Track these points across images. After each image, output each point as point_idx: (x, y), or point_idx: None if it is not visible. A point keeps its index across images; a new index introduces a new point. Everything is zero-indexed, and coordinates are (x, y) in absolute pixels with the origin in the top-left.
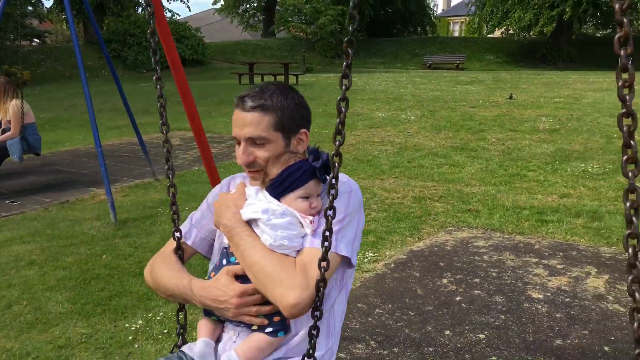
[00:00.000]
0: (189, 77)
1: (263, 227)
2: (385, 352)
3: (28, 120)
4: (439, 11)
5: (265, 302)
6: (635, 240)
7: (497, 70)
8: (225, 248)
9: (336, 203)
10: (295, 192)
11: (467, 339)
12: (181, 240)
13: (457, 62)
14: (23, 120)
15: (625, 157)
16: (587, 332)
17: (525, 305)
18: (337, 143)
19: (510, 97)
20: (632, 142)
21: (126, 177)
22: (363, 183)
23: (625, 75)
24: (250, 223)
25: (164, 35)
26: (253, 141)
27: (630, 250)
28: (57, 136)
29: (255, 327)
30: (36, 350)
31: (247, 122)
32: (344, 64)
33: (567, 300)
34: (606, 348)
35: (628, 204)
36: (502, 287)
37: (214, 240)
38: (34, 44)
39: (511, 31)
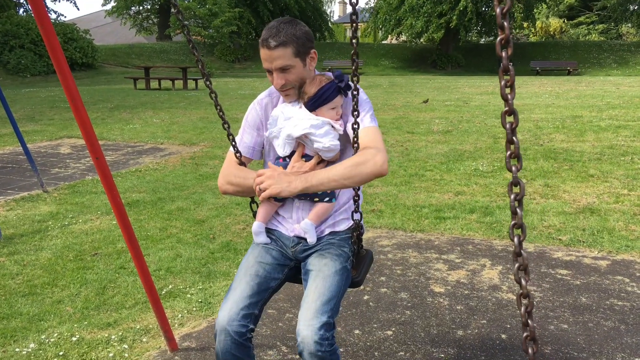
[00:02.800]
0: (79, 81)
1: (313, 138)
2: (297, 357)
3: None
4: (335, 17)
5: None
6: (520, 230)
7: (393, 75)
8: (281, 158)
9: (362, 104)
10: (327, 105)
11: (376, 336)
12: (243, 157)
13: None
14: None
15: (508, 153)
16: (485, 321)
17: (428, 299)
18: (354, 65)
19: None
20: (514, 138)
21: (10, 190)
22: None
23: (506, 76)
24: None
25: (48, 37)
26: (282, 69)
27: (515, 239)
28: None
29: (316, 199)
30: None
31: (275, 56)
32: (351, 33)
33: (466, 292)
34: (503, 336)
35: (512, 196)
36: (407, 284)
37: (262, 148)
38: None
39: (404, 38)
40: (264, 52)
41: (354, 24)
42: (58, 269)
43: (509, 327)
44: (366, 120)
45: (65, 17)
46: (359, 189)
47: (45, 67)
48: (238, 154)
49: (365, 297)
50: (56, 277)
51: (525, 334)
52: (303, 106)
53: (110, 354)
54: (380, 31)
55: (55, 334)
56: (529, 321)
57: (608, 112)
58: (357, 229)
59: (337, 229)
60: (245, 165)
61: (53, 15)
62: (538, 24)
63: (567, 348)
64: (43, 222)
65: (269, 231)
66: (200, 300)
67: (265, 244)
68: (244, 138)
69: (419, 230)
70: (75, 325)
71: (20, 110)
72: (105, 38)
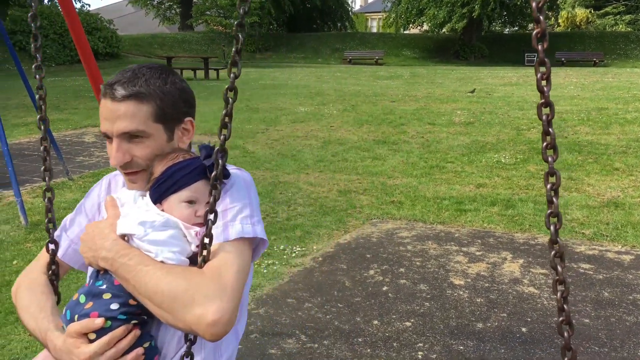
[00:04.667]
0: (102, 71)
1: (139, 243)
2: (316, 346)
3: None
4: (357, 7)
5: (126, 352)
6: (556, 219)
7: (414, 65)
8: (96, 270)
9: (224, 200)
10: (179, 194)
11: (395, 327)
12: (58, 258)
13: (377, 57)
14: None
15: (545, 144)
16: (505, 314)
17: (448, 292)
18: (222, 137)
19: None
20: (550, 129)
21: (37, 177)
22: (288, 178)
23: (543, 68)
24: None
25: (74, 26)
26: (129, 136)
27: (552, 227)
28: None
29: None
30: None
31: (120, 114)
32: (233, 49)
33: (487, 285)
34: (524, 329)
35: (549, 186)
36: (426, 276)
37: None
38: None
39: (426, 28)
40: (104, 105)
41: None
42: None
43: (529, 321)
44: (233, 229)
45: (89, 6)
46: (194, 343)
47: (69, 56)
48: (52, 247)
49: (385, 288)
50: None
51: (561, 319)
52: (147, 196)
53: None
54: (401, 21)
55: None
56: (565, 306)
57: (634, 105)
58: None
59: None
60: (57, 271)
61: (77, 5)
62: (563, 13)
63: (588, 342)
64: (68, 209)
65: None
66: None
67: None
68: (71, 228)
69: (439, 222)
70: None
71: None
72: (128, 28)
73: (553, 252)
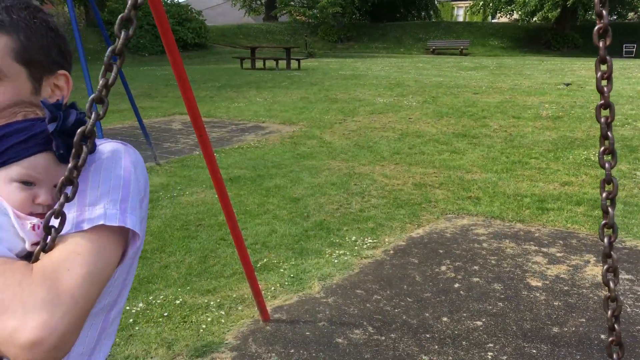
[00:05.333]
0: (190, 61)
1: None
2: (383, 338)
3: None
4: None
5: None
6: (610, 230)
7: (501, 55)
8: None
9: (85, 178)
10: (8, 169)
11: (465, 325)
12: None
13: (461, 47)
14: None
15: (602, 148)
16: (584, 320)
17: (523, 293)
18: (102, 81)
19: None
20: (609, 133)
21: None
22: (363, 169)
23: (604, 67)
24: None
25: (158, 16)
26: None
27: (605, 240)
28: None
29: None
30: None
31: None
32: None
33: (566, 288)
34: (603, 336)
35: (604, 194)
36: (501, 275)
37: None
38: None
39: (516, 16)
40: None
41: None
42: (166, 236)
43: None
44: (90, 214)
45: None
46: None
47: (161, 47)
48: None
49: (456, 285)
50: (164, 243)
51: (610, 339)
52: None
53: (209, 319)
54: (489, 9)
55: (162, 296)
56: (616, 325)
57: None
58: None
59: None
60: None
61: None
62: None
63: None
64: (155, 192)
65: None
66: (292, 275)
67: None
68: None
69: (518, 221)
70: (179, 289)
71: (138, 87)
72: (216, 18)
73: (606, 267)
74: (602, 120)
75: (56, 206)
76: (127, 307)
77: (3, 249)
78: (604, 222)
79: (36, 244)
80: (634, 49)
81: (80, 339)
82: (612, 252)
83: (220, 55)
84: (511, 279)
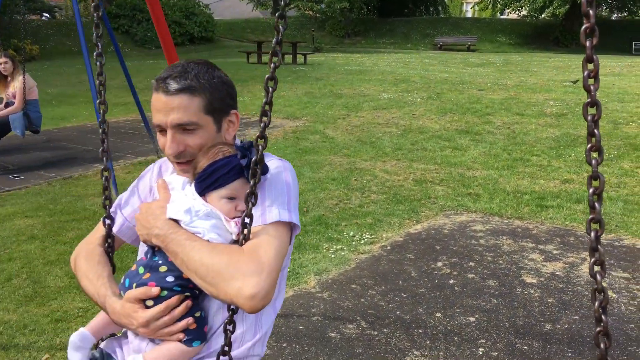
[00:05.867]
0: (197, 54)
1: (186, 228)
2: (375, 333)
3: (31, 97)
4: None
5: (178, 320)
6: (597, 225)
7: (509, 52)
8: (151, 247)
9: (263, 189)
10: (219, 191)
11: (458, 321)
12: (115, 233)
13: (469, 43)
14: (25, 95)
15: (589, 146)
16: (577, 317)
17: (518, 289)
18: (262, 124)
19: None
20: (596, 131)
21: (130, 154)
22: (365, 165)
23: (590, 66)
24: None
25: (154, 11)
26: (182, 128)
27: (592, 234)
28: (63, 112)
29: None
30: (33, 323)
31: (174, 106)
32: (274, 40)
33: (561, 285)
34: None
35: (591, 190)
36: (497, 272)
37: None
38: (43, 18)
39: (524, 12)
40: (157, 99)
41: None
42: None
43: None
44: (271, 214)
45: None
46: (235, 312)
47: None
48: (108, 222)
49: (451, 282)
50: None
51: (598, 329)
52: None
53: None
54: (497, 5)
55: None
56: (603, 316)
57: None
58: None
59: None
60: (113, 244)
61: None
62: None
63: None
64: None
65: (100, 351)
66: (288, 269)
67: None
68: (125, 206)
69: (516, 218)
70: None
71: (144, 81)
72: (224, 12)
73: (593, 260)
74: (589, 118)
75: (247, 210)
76: None
77: (223, 239)
78: (591, 216)
79: (238, 235)
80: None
81: None
82: (598, 246)
83: (227, 49)
84: (506, 275)
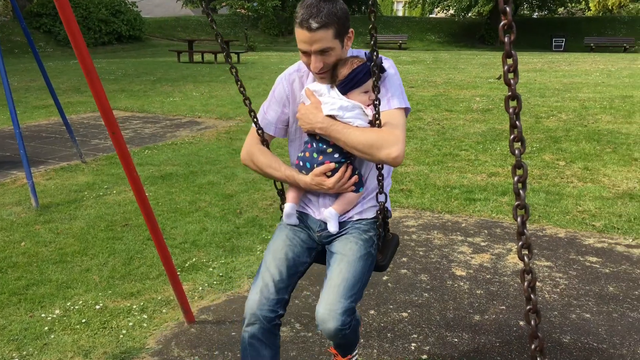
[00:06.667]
0: (125, 54)
1: (343, 120)
2: (310, 335)
3: None
4: None
5: (350, 176)
6: (523, 211)
7: (438, 50)
8: (312, 137)
9: (385, 85)
10: (359, 89)
11: (391, 318)
12: (265, 134)
13: (400, 41)
14: None
15: (512, 137)
16: (504, 307)
17: (448, 282)
18: (372, 21)
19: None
20: (517, 122)
21: (51, 159)
22: None
23: (509, 61)
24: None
25: (63, 11)
26: (322, 52)
27: (518, 219)
28: None
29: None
30: None
31: (316, 39)
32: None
33: (488, 276)
34: (521, 322)
35: (516, 178)
36: (428, 266)
37: (287, 126)
38: None
39: (452, 12)
40: (302, 34)
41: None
42: (89, 238)
43: None
44: (393, 102)
45: None
46: (382, 168)
47: (93, 39)
48: (260, 131)
49: (385, 278)
50: (87, 246)
51: (528, 307)
52: (335, 88)
53: (130, 323)
54: (426, 4)
55: (80, 302)
56: (532, 295)
57: None
58: (382, 212)
59: (364, 216)
60: (268, 143)
61: None
62: None
63: (587, 338)
64: (79, 192)
65: (297, 213)
66: (221, 274)
67: (294, 225)
68: (268, 113)
69: (447, 212)
70: (100, 294)
71: (67, 82)
72: (153, 10)
73: (520, 243)
74: (511, 110)
75: (375, 100)
76: (43, 315)
77: (365, 122)
78: (516, 203)
79: (374, 115)
80: (563, 43)
81: None
82: (525, 230)
83: (157, 48)
84: (437, 269)
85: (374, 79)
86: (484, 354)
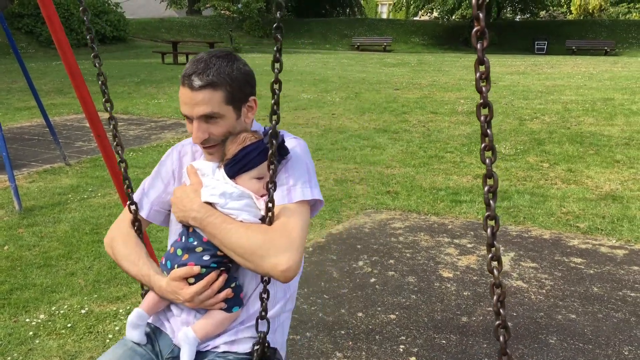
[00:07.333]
0: (109, 55)
1: (221, 210)
2: (298, 337)
3: None
4: None
5: (219, 291)
6: (493, 222)
7: (423, 52)
8: (185, 228)
9: (287, 170)
10: (249, 173)
11: (379, 320)
12: (140, 216)
13: (385, 44)
14: None
15: (483, 145)
16: (491, 308)
17: (435, 284)
18: (274, 99)
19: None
20: (488, 131)
21: (34, 162)
22: None
23: (482, 68)
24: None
25: (47, 10)
26: (206, 118)
27: (489, 230)
28: None
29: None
30: None
31: (198, 100)
32: (275, 48)
33: (475, 278)
34: (509, 323)
35: (486, 188)
36: (415, 268)
37: (169, 211)
38: None
39: (436, 14)
40: (183, 92)
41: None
42: (74, 241)
43: (515, 315)
44: (295, 193)
45: None
46: (268, 282)
47: (76, 40)
48: (134, 208)
49: (372, 280)
50: (71, 249)
51: (497, 322)
52: (223, 170)
53: (117, 327)
54: (411, 7)
55: (66, 306)
56: (501, 310)
57: None
58: (261, 348)
59: (236, 348)
60: (140, 226)
61: None
62: (576, 0)
63: (573, 339)
64: (63, 194)
65: (149, 325)
66: None
67: (137, 343)
68: (148, 190)
69: (433, 214)
70: (86, 298)
71: (49, 83)
72: (137, 11)
73: (490, 255)
74: (482, 118)
75: (268, 196)
76: (27, 320)
77: (253, 217)
78: (487, 214)
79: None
80: (545, 46)
81: None
82: (494, 242)
83: (141, 49)
84: (424, 271)
85: (272, 160)
86: (472, 355)
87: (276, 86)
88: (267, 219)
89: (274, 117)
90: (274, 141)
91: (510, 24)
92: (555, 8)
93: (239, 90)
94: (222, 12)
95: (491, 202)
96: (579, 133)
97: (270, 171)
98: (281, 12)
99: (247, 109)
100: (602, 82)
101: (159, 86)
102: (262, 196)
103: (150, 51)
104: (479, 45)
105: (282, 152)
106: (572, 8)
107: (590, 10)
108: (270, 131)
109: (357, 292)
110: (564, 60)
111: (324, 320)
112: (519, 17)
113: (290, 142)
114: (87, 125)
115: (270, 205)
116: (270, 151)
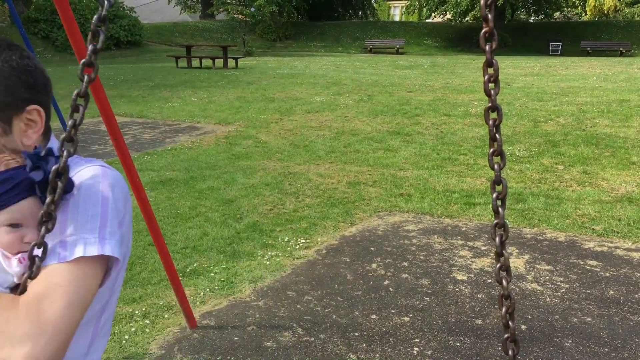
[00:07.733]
0: (124, 59)
1: None
2: (312, 339)
3: None
4: None
5: None
6: (502, 230)
7: (436, 54)
8: None
9: (65, 211)
10: (3, 215)
11: (393, 322)
12: None
13: (397, 46)
14: None
15: (491, 150)
16: None
17: (449, 287)
18: (70, 122)
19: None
20: (497, 135)
21: None
22: (298, 169)
23: (490, 70)
24: None
25: (64, 14)
26: None
27: (497, 239)
28: None
29: None
30: None
31: None
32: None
33: (489, 281)
34: (523, 327)
35: (495, 195)
36: (429, 270)
37: None
38: None
39: (449, 16)
40: None
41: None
42: None
43: (530, 318)
44: (71, 248)
45: None
46: None
47: None
48: None
49: (386, 282)
50: None
51: (505, 335)
52: None
53: (133, 329)
54: (424, 9)
55: None
56: (510, 322)
57: None
58: None
59: None
60: None
61: None
62: (591, 1)
63: (589, 342)
64: None
65: None
66: (223, 279)
67: None
68: None
69: (447, 216)
70: None
71: (65, 87)
72: (151, 16)
73: (498, 265)
74: (490, 122)
75: (38, 238)
76: None
77: (4, 287)
78: (495, 221)
79: (23, 275)
80: (559, 47)
81: (72, 347)
82: (503, 251)
83: (155, 53)
84: (438, 273)
85: (48, 199)
86: (486, 358)
87: (81, 101)
88: (22, 284)
89: (75, 114)
90: (48, 170)
91: (524, 25)
92: (569, 9)
93: (5, 90)
94: (235, 16)
95: (500, 209)
96: (594, 135)
97: (45, 206)
98: (97, 45)
99: (24, 123)
100: (617, 84)
101: (173, 90)
102: (18, 253)
103: (164, 55)
104: (487, 47)
105: (67, 188)
106: (586, 9)
107: (605, 11)
108: (37, 154)
109: (371, 294)
110: (578, 61)
111: (337, 322)
112: (532, 18)
113: (85, 171)
114: (103, 128)
115: (37, 260)
116: (53, 168)
